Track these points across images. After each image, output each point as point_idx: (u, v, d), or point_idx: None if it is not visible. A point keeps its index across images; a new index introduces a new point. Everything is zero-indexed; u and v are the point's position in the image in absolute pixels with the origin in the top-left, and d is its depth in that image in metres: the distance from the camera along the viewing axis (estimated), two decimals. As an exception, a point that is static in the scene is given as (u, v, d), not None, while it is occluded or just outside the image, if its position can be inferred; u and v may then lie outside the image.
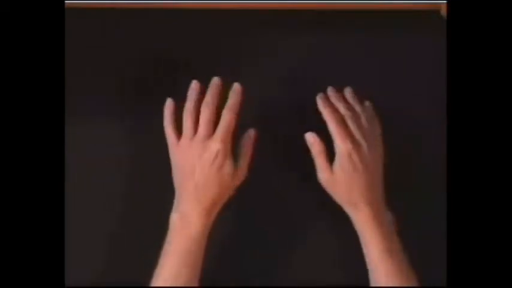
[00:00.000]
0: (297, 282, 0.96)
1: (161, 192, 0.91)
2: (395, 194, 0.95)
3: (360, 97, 0.95)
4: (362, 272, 0.91)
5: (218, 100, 0.90)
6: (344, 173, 0.89)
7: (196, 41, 0.99)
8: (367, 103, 0.96)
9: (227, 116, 0.88)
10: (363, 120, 0.92)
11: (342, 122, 0.90)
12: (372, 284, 0.89)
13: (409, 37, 1.00)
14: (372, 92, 0.98)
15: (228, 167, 0.88)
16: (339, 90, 0.95)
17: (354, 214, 0.90)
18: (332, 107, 0.92)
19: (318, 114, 0.92)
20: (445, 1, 0.98)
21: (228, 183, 0.88)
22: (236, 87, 0.90)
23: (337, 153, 0.89)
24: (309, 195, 0.96)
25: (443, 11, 0.99)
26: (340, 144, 0.89)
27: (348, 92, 0.95)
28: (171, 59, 0.99)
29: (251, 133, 0.91)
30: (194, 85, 0.91)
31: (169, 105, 0.92)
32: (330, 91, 0.95)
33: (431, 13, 1.00)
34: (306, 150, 0.92)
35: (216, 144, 0.87)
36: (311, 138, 0.90)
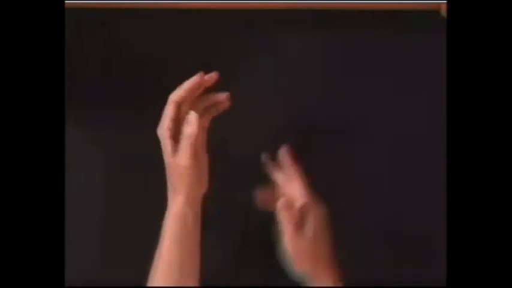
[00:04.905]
0: (297, 282, 0.96)
1: (160, 192, 0.91)
2: (396, 194, 0.95)
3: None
4: (363, 271, 0.91)
5: (186, 95, 0.88)
6: (316, 239, 0.87)
7: (196, 41, 1.00)
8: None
9: (168, 104, 0.88)
10: None
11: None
12: None
13: (409, 37, 1.00)
14: (372, 92, 0.98)
15: (166, 151, 0.87)
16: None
17: (316, 282, 0.87)
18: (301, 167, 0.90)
19: (317, 114, 0.92)
20: (445, 1, 0.98)
21: (172, 167, 0.88)
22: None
23: (312, 218, 0.88)
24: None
25: (443, 11, 0.99)
26: (315, 208, 0.88)
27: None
28: (171, 59, 0.99)
29: (189, 119, 0.87)
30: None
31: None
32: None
33: (431, 13, 1.00)
34: (305, 149, 0.92)
35: (158, 130, 0.88)
36: (283, 205, 0.87)
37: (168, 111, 0.88)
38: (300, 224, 0.88)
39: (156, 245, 0.88)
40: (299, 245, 0.87)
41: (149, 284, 0.87)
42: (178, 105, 0.88)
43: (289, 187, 0.91)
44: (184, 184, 0.88)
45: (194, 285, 0.87)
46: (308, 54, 1.00)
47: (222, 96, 0.90)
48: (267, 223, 0.97)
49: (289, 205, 0.88)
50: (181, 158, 0.87)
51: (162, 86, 0.97)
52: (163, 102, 0.94)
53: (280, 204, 0.88)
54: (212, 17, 0.99)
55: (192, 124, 0.87)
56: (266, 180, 0.96)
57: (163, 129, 0.88)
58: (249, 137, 0.97)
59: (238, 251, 0.96)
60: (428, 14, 1.00)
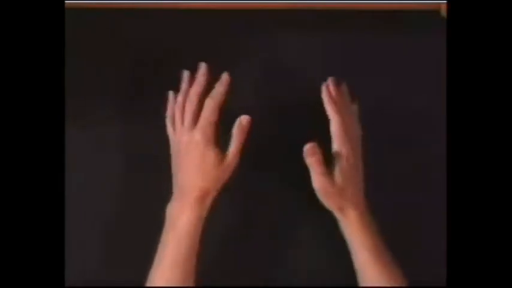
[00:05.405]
0: (297, 282, 0.96)
1: (160, 192, 0.91)
2: (396, 193, 0.95)
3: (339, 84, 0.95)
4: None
5: (204, 89, 0.91)
6: (342, 177, 0.89)
7: (196, 41, 1.00)
8: (343, 87, 0.95)
9: (208, 105, 0.89)
10: (352, 119, 0.93)
11: (342, 123, 0.90)
12: (361, 285, 0.89)
13: (409, 37, 1.00)
14: (372, 92, 0.98)
15: (210, 156, 0.87)
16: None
17: (343, 218, 0.89)
18: (337, 104, 0.91)
19: (317, 114, 0.92)
20: (445, 1, 0.98)
21: (213, 173, 0.88)
22: (224, 77, 0.91)
23: (338, 157, 0.89)
24: (308, 194, 0.96)
25: (443, 11, 0.99)
26: (341, 147, 0.89)
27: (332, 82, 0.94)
28: (171, 59, 0.99)
29: (243, 120, 0.89)
30: (185, 76, 0.94)
31: (170, 98, 0.94)
32: (331, 83, 0.94)
33: (431, 13, 1.00)
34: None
35: (196, 134, 0.87)
36: (311, 150, 0.89)
37: (212, 116, 0.88)
38: (328, 167, 0.88)
39: (156, 245, 0.88)
40: (326, 185, 0.88)
41: (148, 284, 0.87)
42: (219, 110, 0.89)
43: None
44: (214, 192, 0.88)
45: (193, 286, 0.87)
46: (308, 54, 1.00)
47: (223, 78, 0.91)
48: (267, 222, 0.97)
49: (314, 151, 0.88)
50: (231, 162, 0.88)
51: (162, 86, 0.97)
52: (163, 102, 0.94)
53: (305, 150, 0.88)
54: (212, 17, 0.99)
55: (247, 124, 0.88)
56: (265, 181, 0.97)
57: (208, 134, 0.88)
58: (248, 137, 0.97)
59: (238, 251, 0.96)
60: (428, 14, 1.00)
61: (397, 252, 0.93)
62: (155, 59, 0.99)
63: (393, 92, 0.99)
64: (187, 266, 0.87)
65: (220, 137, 0.90)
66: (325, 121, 0.93)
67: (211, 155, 0.87)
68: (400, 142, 0.98)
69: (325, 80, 0.97)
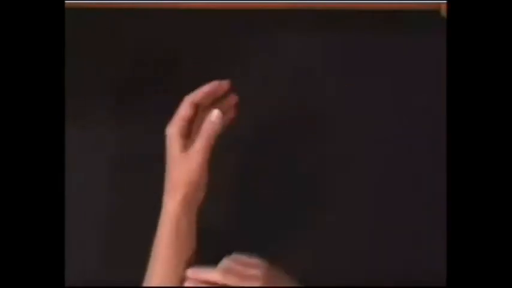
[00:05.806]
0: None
1: (160, 192, 0.91)
2: (396, 194, 0.95)
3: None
4: (363, 272, 0.91)
5: (202, 97, 0.89)
6: None
7: (196, 41, 1.00)
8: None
9: (183, 101, 0.88)
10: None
11: None
12: None
13: (409, 37, 1.00)
14: (372, 92, 0.98)
15: (173, 146, 0.88)
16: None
17: None
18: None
19: (317, 114, 0.92)
20: (445, 1, 0.98)
21: (176, 161, 0.88)
22: (220, 81, 0.90)
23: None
24: (308, 195, 0.96)
25: (443, 11, 0.99)
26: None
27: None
28: (171, 59, 0.99)
29: (212, 116, 0.88)
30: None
31: None
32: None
33: (431, 13, 1.00)
34: (305, 150, 0.92)
35: (168, 128, 0.88)
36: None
37: (183, 111, 0.88)
38: None
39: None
40: None
41: (145, 284, 0.87)
42: (193, 107, 0.88)
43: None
44: (185, 184, 0.88)
45: None
46: (308, 54, 1.00)
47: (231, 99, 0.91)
48: (266, 222, 0.97)
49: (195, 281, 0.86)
50: (194, 154, 0.87)
51: (162, 86, 0.97)
52: (163, 102, 0.94)
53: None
54: (212, 17, 0.99)
55: (216, 120, 0.87)
56: (266, 181, 0.97)
57: (176, 127, 0.87)
58: (248, 137, 0.97)
59: (238, 250, 0.97)
60: (428, 14, 1.00)
61: (397, 252, 0.93)
62: (155, 59, 0.99)
63: (393, 92, 0.99)
64: (176, 265, 0.87)
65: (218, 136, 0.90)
66: (325, 121, 0.93)
67: (174, 145, 0.88)
68: (400, 142, 0.98)
69: (324, 79, 0.97)
